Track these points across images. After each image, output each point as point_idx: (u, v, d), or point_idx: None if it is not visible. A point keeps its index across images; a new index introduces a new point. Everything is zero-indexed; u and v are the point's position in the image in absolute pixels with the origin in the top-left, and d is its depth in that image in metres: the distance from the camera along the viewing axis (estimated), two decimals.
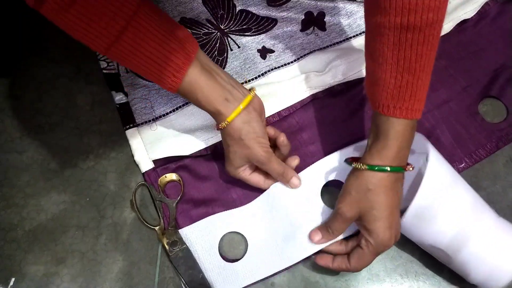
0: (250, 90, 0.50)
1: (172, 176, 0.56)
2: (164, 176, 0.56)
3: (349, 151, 0.56)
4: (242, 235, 0.53)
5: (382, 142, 0.44)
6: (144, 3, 0.43)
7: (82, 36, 0.42)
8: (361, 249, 0.46)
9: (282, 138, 0.52)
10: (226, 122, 0.47)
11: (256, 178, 0.53)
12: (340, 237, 0.49)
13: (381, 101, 0.44)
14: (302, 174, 0.54)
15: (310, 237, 0.50)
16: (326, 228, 0.49)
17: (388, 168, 0.43)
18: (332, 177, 0.54)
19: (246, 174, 0.52)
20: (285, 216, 0.53)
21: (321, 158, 0.56)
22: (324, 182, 0.54)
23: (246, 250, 0.52)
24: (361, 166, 0.45)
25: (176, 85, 0.46)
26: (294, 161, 0.54)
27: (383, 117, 0.44)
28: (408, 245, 0.52)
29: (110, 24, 0.41)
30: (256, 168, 0.53)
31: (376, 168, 0.44)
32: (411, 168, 0.45)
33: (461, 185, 0.48)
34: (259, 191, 0.54)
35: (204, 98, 0.47)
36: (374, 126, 0.46)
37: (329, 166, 0.55)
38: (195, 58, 0.46)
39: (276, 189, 0.54)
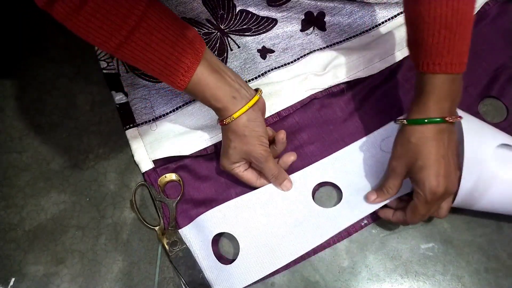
0: (256, 90, 0.51)
1: (172, 176, 0.56)
2: (164, 176, 0.56)
3: (345, 153, 0.56)
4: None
5: (421, 97, 0.46)
6: (153, 3, 0.44)
7: (93, 37, 0.43)
8: (413, 201, 0.47)
9: (282, 136, 0.53)
10: (232, 118, 0.48)
11: (249, 175, 0.53)
12: (394, 196, 0.51)
13: (420, 59, 0.45)
14: (296, 175, 0.55)
15: (367, 197, 0.51)
16: (381, 187, 0.51)
17: (426, 120, 0.45)
18: (325, 178, 0.55)
19: (241, 170, 0.53)
20: (278, 216, 0.53)
21: (321, 158, 0.57)
22: (316, 183, 0.55)
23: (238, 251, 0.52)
24: (402, 122, 0.47)
25: (184, 84, 0.47)
26: (290, 157, 0.54)
27: (423, 74, 0.46)
28: (408, 245, 0.52)
29: (120, 24, 0.42)
30: (250, 167, 0.54)
31: (415, 121, 0.46)
32: (452, 119, 0.45)
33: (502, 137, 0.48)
34: (253, 190, 0.54)
35: (212, 96, 0.48)
36: (416, 86, 0.48)
37: (323, 168, 0.56)
38: (203, 57, 0.47)
39: (269, 189, 0.54)
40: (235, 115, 0.48)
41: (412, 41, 0.47)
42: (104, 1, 0.40)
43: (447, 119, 0.45)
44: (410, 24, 0.46)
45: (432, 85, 0.45)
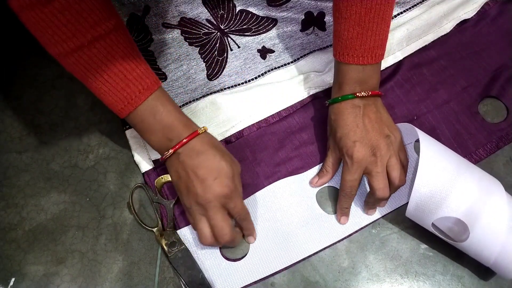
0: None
1: (169, 177, 0.56)
2: (160, 177, 0.55)
3: None
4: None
5: (337, 81, 0.52)
6: (124, 25, 0.45)
7: (51, 33, 0.41)
8: (342, 169, 0.51)
9: None
10: (204, 128, 0.50)
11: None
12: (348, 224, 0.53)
13: (337, 49, 0.51)
14: (299, 177, 0.55)
15: (310, 182, 0.55)
16: (321, 168, 0.55)
17: (340, 98, 0.51)
18: (329, 182, 0.55)
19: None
20: (284, 217, 0.53)
21: (321, 158, 0.57)
22: (319, 188, 0.55)
23: (247, 250, 0.52)
24: (326, 103, 0.54)
25: (140, 101, 0.46)
26: None
27: (339, 63, 0.52)
28: (408, 245, 0.52)
29: (88, 28, 0.42)
30: None
31: (333, 101, 0.52)
32: (362, 94, 0.50)
33: (461, 164, 0.48)
34: (258, 191, 0.55)
35: (174, 112, 0.48)
36: (334, 72, 0.54)
37: None
38: (161, 86, 0.49)
39: (274, 190, 0.54)
40: (205, 128, 0.50)
41: (334, 31, 0.52)
42: (78, 1, 0.40)
43: (357, 94, 0.50)
44: (333, 16, 0.51)
45: (345, 72, 0.51)
